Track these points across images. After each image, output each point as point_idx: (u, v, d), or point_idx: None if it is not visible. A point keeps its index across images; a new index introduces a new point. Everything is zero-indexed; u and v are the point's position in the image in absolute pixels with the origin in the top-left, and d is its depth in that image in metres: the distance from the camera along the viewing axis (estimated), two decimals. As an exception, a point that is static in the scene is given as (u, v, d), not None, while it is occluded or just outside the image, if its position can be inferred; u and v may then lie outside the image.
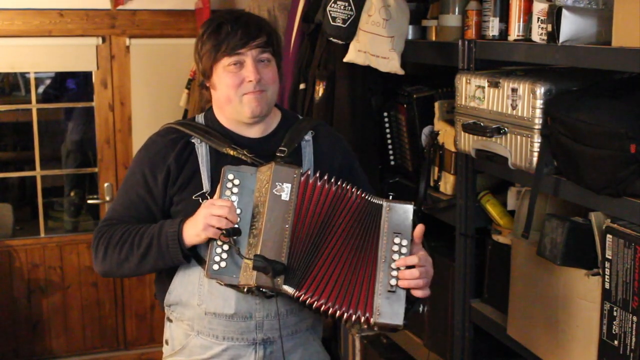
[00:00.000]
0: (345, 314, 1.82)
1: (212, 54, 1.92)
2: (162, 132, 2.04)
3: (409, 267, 1.82)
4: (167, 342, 2.09)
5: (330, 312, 1.83)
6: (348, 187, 1.89)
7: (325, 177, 1.88)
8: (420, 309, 1.88)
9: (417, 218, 1.88)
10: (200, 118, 2.07)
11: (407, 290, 1.82)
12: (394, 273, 1.82)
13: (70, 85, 4.54)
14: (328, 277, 1.84)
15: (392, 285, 1.82)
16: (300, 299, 1.82)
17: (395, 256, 1.83)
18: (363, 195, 1.88)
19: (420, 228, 1.86)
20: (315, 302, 1.82)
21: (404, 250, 1.84)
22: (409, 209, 1.86)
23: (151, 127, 2.23)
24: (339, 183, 1.88)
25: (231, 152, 1.95)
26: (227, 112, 1.99)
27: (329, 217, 1.86)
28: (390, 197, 1.89)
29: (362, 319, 1.82)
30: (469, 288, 2.56)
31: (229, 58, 1.91)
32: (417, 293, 1.83)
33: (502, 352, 2.48)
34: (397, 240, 1.84)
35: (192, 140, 1.98)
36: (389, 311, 1.81)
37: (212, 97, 2.03)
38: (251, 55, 1.91)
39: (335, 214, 1.87)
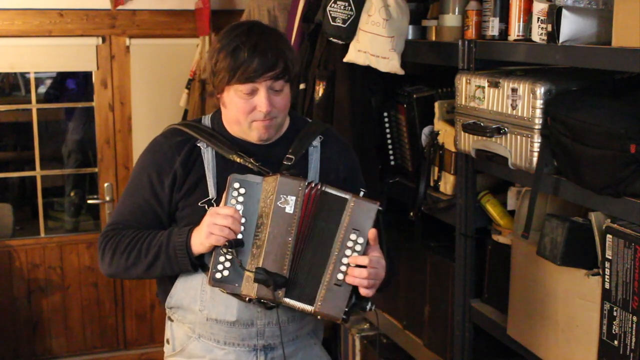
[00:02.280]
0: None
1: (226, 77, 1.86)
2: (167, 134, 2.01)
3: (359, 265, 1.82)
4: (167, 342, 2.09)
5: None
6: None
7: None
8: (368, 307, 1.88)
9: (381, 219, 1.86)
10: (206, 120, 2.04)
11: (356, 287, 1.84)
12: (343, 268, 1.83)
13: (70, 85, 4.53)
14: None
15: (339, 279, 1.83)
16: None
17: (348, 252, 1.84)
18: (323, 188, 1.87)
19: (373, 232, 1.83)
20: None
21: (358, 247, 1.84)
22: (372, 208, 1.85)
23: (151, 127, 2.22)
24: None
25: (237, 160, 1.93)
26: (234, 129, 1.98)
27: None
28: (361, 194, 1.88)
29: (307, 307, 1.84)
30: (469, 288, 2.55)
31: (242, 85, 1.86)
32: (363, 292, 1.84)
33: (502, 352, 2.47)
34: (353, 236, 1.84)
35: (199, 145, 1.96)
36: (331, 303, 1.83)
37: (221, 108, 1.99)
38: (265, 85, 1.86)
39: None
